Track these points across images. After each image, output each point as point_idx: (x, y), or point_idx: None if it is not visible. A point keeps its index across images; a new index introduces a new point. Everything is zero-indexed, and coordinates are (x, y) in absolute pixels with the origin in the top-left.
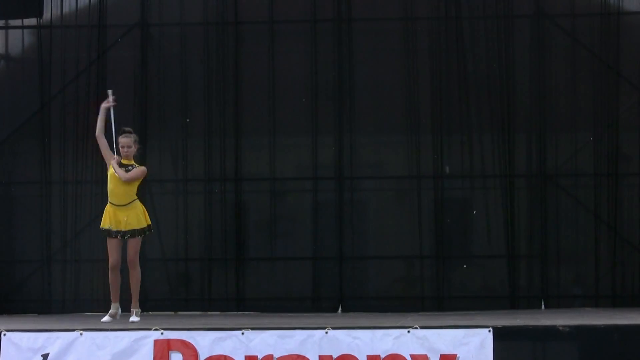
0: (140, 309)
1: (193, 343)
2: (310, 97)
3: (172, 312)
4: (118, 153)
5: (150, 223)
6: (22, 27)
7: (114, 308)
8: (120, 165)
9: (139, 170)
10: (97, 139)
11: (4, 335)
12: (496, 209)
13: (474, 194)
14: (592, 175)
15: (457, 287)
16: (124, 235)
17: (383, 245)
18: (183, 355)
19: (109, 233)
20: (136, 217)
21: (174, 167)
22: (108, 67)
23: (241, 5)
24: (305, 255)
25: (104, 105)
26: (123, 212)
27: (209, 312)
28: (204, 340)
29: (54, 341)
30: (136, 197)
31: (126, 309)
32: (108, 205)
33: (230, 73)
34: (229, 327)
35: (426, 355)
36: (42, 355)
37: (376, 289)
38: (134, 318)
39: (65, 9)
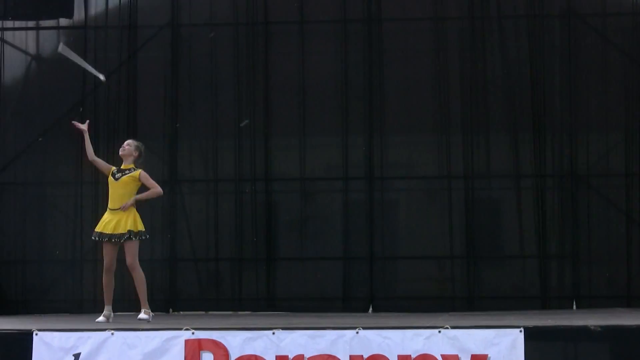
0: (171, 308)
1: (224, 343)
2: (340, 97)
3: (203, 312)
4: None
5: (144, 229)
6: (52, 27)
7: (107, 310)
8: (119, 170)
9: (129, 176)
10: (92, 162)
11: (36, 334)
12: (527, 209)
13: (504, 194)
14: (623, 175)
15: (488, 287)
16: (118, 239)
17: (413, 246)
18: (214, 355)
19: (100, 236)
20: (132, 220)
21: (205, 167)
22: (138, 68)
23: (271, 6)
24: (335, 255)
25: (82, 128)
26: (116, 216)
27: (240, 312)
28: (234, 340)
29: (86, 341)
30: None
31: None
32: (107, 211)
33: (260, 73)
34: (259, 327)
35: (457, 355)
36: (73, 355)
37: (407, 289)
38: (142, 315)
39: (96, 10)
